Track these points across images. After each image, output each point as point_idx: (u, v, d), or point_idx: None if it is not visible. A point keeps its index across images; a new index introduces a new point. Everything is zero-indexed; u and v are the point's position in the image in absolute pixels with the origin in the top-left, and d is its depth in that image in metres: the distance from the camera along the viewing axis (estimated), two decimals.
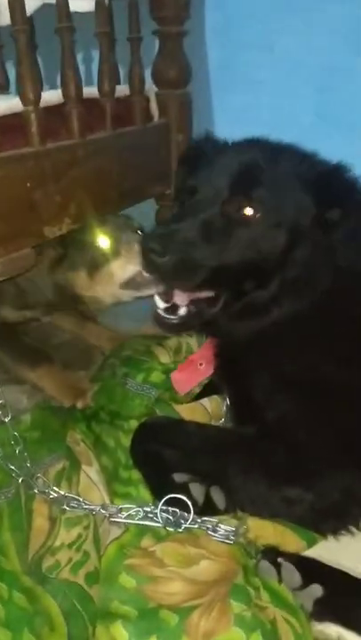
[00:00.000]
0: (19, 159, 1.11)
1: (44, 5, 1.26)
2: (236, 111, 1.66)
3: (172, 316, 1.12)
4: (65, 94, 1.24)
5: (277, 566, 0.93)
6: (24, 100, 1.13)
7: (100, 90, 1.36)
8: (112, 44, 1.39)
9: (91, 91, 1.33)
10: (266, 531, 1.05)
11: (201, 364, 1.40)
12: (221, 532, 1.03)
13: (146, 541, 1.02)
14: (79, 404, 1.38)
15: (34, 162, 1.13)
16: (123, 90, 1.46)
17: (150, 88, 1.56)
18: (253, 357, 1.16)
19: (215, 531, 1.04)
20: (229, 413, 1.28)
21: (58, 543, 1.01)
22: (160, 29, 1.52)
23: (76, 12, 1.22)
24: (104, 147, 1.35)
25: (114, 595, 0.92)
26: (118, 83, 1.48)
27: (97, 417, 1.34)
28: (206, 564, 0.96)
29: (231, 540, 1.02)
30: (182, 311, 1.11)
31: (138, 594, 0.91)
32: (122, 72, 1.54)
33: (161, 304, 1.13)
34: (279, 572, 0.93)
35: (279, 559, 0.94)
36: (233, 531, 1.03)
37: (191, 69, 1.58)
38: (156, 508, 1.06)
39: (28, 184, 1.12)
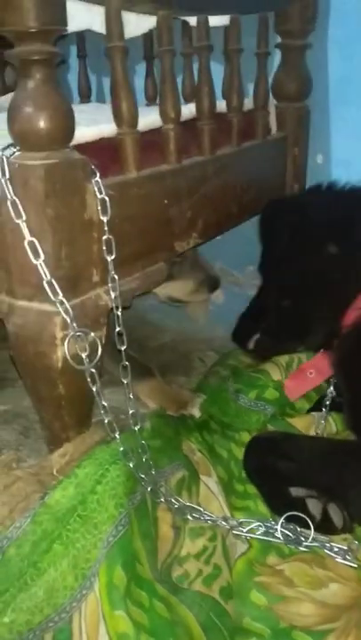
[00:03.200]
0: (158, 177, 1.14)
1: None
2: (352, 123, 1.64)
3: None
4: (198, 111, 1.26)
5: None
6: (164, 118, 1.16)
7: (228, 105, 1.38)
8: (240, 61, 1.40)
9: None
10: None
11: (311, 373, 1.40)
12: (336, 549, 1.03)
13: (271, 559, 1.03)
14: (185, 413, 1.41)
15: (171, 179, 1.16)
16: (245, 104, 1.47)
17: (270, 101, 1.57)
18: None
19: (331, 549, 1.04)
20: (347, 422, 1.28)
21: (184, 553, 1.03)
22: (283, 42, 1.52)
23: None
24: (230, 162, 1.36)
25: (246, 611, 0.93)
26: None
27: (208, 426, 1.36)
28: (336, 587, 0.97)
29: (348, 559, 1.02)
30: None
31: (269, 612, 0.93)
32: None
33: None
34: None
35: None
36: (347, 549, 1.03)
37: (312, 83, 1.57)
38: (276, 523, 1.07)
39: (166, 201, 1.15)
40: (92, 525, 0.98)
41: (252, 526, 1.08)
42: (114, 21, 1.00)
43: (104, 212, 0.98)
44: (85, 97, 1.92)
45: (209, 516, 1.09)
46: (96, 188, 0.96)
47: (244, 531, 1.07)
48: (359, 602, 0.93)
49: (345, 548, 1.03)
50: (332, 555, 1.03)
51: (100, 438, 1.17)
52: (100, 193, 0.97)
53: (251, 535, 1.07)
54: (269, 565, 1.01)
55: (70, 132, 0.92)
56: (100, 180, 0.96)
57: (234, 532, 1.07)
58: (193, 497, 1.15)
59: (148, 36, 1.70)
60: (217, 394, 1.44)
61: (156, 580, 0.96)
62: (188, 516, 1.08)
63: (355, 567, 1.01)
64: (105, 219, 0.98)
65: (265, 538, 1.06)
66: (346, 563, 1.01)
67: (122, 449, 1.06)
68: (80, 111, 1.45)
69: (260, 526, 1.08)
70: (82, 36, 1.87)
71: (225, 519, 1.09)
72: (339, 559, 1.02)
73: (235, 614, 0.93)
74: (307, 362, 1.45)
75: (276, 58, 1.57)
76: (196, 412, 1.41)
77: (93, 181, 0.96)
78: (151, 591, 0.92)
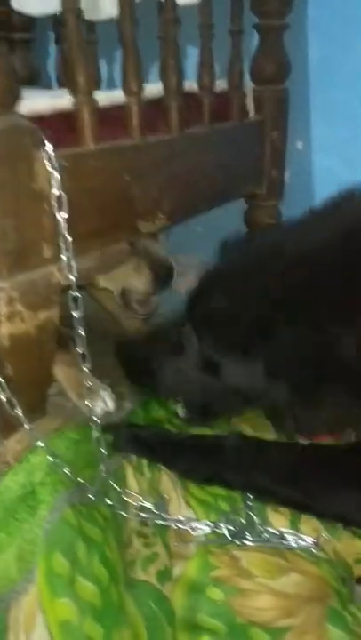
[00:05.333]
0: (119, 151, 1.09)
1: None
2: (334, 108, 1.60)
3: None
4: (166, 87, 1.21)
5: None
6: (127, 91, 1.11)
7: (199, 83, 1.33)
8: (212, 38, 1.35)
9: (186, 85, 1.30)
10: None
11: None
12: (302, 543, 0.98)
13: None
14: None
15: (134, 154, 1.12)
16: (218, 84, 1.42)
17: (247, 83, 1.52)
18: None
19: (297, 542, 0.98)
20: None
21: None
22: (261, 23, 1.47)
23: None
24: (201, 142, 1.32)
25: (200, 606, 0.87)
26: None
27: (170, 421, 1.29)
28: (297, 577, 0.91)
29: (314, 549, 0.96)
30: None
31: (225, 607, 0.87)
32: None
33: None
34: None
35: None
36: (314, 542, 0.97)
37: (290, 65, 1.53)
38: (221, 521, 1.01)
39: (127, 177, 1.10)
40: (40, 518, 0.92)
41: (206, 531, 1.00)
42: None
43: (55, 183, 0.92)
44: (64, 83, 1.88)
45: (159, 516, 1.01)
46: (46, 158, 0.91)
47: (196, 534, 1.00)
48: (321, 596, 0.88)
49: (312, 540, 0.98)
50: (294, 545, 0.97)
51: (58, 425, 1.12)
52: (51, 163, 0.91)
53: (206, 542, 0.98)
54: (226, 551, 0.95)
55: (14, 95, 0.86)
56: (50, 150, 0.91)
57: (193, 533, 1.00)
58: (154, 485, 1.08)
59: None
60: None
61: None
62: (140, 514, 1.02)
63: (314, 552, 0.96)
64: (56, 191, 0.93)
65: (219, 540, 0.99)
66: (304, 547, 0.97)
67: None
68: (57, 96, 1.41)
69: (207, 525, 1.01)
70: (58, 23, 1.83)
71: (180, 521, 1.01)
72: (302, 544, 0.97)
73: (188, 609, 0.87)
74: None
75: (255, 40, 1.53)
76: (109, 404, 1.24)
77: (43, 150, 0.91)
78: (113, 574, 0.87)
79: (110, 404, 1.23)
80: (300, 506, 1.01)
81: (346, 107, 1.59)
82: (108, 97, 1.14)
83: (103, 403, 1.22)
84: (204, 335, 0.99)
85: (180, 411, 1.17)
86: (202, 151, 1.32)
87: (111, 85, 1.94)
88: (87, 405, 1.06)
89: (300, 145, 1.67)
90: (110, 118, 1.11)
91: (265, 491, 1.02)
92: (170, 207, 1.22)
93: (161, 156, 1.18)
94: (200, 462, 1.06)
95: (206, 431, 1.17)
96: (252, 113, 1.54)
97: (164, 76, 1.21)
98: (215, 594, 0.89)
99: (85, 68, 0.99)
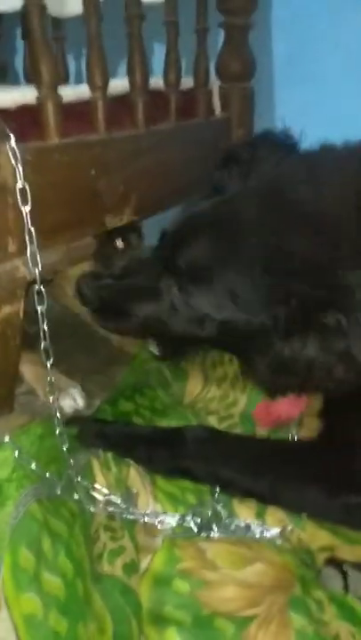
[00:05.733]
0: (85, 146, 1.09)
1: None
2: (298, 106, 1.60)
3: None
4: (131, 83, 1.21)
5: (343, 574, 0.88)
6: (92, 86, 1.11)
7: (165, 80, 1.33)
8: (178, 35, 1.36)
9: (153, 82, 1.31)
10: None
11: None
12: (268, 534, 0.99)
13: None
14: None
15: (99, 149, 1.11)
16: (185, 82, 1.43)
17: (213, 81, 1.53)
18: None
19: (262, 533, 0.99)
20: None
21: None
22: (226, 21, 1.49)
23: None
24: (167, 139, 1.32)
25: (167, 599, 0.88)
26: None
27: (138, 413, 1.29)
28: (261, 566, 0.92)
29: (278, 540, 0.98)
30: None
31: (192, 599, 0.87)
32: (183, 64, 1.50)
33: None
34: (345, 581, 0.88)
35: (345, 567, 0.89)
36: (279, 532, 0.99)
37: (256, 63, 1.54)
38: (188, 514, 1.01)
39: (93, 172, 1.10)
40: (7, 514, 0.91)
41: (174, 524, 1.01)
42: None
43: (19, 176, 0.92)
44: (32, 80, 1.86)
45: (126, 510, 1.02)
46: (9, 151, 0.90)
47: (157, 521, 1.01)
48: (285, 585, 0.89)
49: (277, 530, 0.99)
50: (260, 536, 0.99)
51: (24, 422, 1.11)
52: (15, 156, 0.91)
53: (173, 535, 0.99)
54: (192, 543, 0.96)
55: None
56: (14, 143, 0.90)
57: (147, 518, 1.01)
58: (122, 479, 1.08)
59: None
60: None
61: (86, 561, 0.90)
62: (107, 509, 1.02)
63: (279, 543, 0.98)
64: (20, 184, 0.92)
65: (186, 533, 1.00)
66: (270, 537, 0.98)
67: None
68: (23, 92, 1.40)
69: (175, 517, 1.02)
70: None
71: (147, 514, 1.02)
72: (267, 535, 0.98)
73: (154, 601, 0.88)
74: None
75: (221, 38, 1.54)
76: (79, 402, 1.24)
77: (7, 144, 0.90)
78: (78, 568, 0.86)
79: (80, 402, 1.23)
80: (263, 498, 1.03)
81: (309, 103, 1.61)
82: (74, 92, 1.14)
83: (73, 400, 1.22)
84: (193, 291, 0.93)
85: (154, 349, 1.10)
86: (168, 147, 1.32)
87: (79, 82, 1.93)
88: (53, 401, 1.05)
89: None
90: (76, 113, 1.11)
91: (229, 483, 1.03)
92: (136, 202, 1.22)
93: (127, 151, 1.19)
94: (164, 454, 1.07)
95: (173, 424, 1.18)
96: (218, 110, 1.55)
97: (129, 72, 1.21)
98: (181, 586, 0.89)
99: (49, 61, 0.99)
